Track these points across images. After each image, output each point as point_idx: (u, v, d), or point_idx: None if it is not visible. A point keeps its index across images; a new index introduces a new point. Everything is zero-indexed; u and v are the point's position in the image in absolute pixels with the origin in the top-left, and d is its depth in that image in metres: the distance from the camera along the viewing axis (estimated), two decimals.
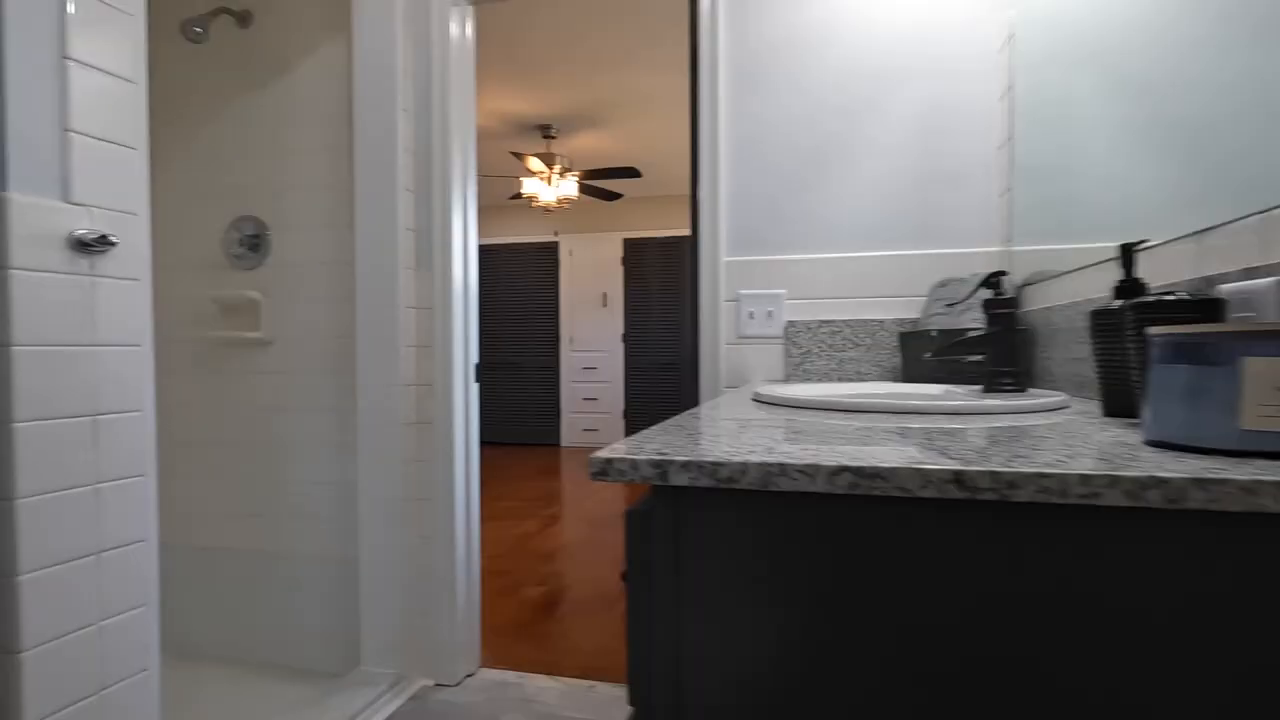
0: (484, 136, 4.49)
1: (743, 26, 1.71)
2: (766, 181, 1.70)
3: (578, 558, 3.26)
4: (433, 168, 1.93)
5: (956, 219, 1.59)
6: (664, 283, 6.53)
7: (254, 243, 2.07)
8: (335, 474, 2.04)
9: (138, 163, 1.15)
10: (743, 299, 1.71)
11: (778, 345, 1.69)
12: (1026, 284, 1.31)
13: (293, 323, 2.06)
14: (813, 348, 1.66)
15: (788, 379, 1.68)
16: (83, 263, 1.05)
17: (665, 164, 5.29)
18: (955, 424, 0.69)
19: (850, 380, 1.62)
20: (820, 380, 1.65)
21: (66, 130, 1.04)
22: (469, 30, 2.00)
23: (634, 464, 0.48)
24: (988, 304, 1.02)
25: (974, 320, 1.30)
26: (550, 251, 6.76)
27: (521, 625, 2.47)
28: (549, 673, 2.04)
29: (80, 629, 1.04)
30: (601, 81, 3.68)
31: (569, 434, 6.77)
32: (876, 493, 0.44)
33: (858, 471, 0.44)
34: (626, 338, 6.63)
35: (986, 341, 0.98)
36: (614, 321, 6.66)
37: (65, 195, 1.04)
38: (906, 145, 1.62)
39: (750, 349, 1.71)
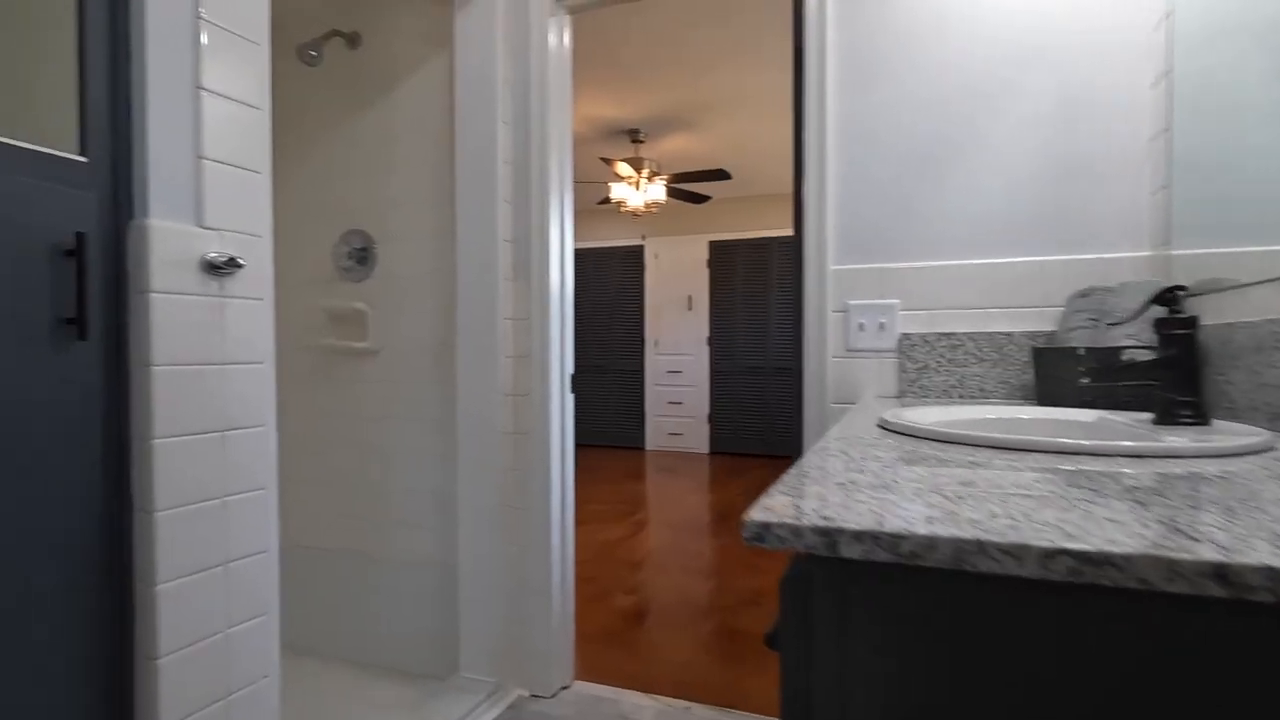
0: (573, 142, 4.53)
1: (853, 18, 1.61)
2: (878, 184, 1.60)
3: (665, 565, 3.22)
4: (531, 179, 1.93)
5: (1098, 220, 1.44)
6: (750, 285, 6.40)
7: (362, 255, 2.15)
8: (436, 481, 2.08)
9: (262, 186, 1.19)
10: (852, 310, 1.61)
11: (891, 359, 1.58)
12: (1193, 295, 1.15)
13: (397, 332, 2.12)
14: (930, 362, 1.54)
15: (902, 395, 1.57)
16: (213, 284, 1.10)
17: (754, 164, 5.18)
18: (1144, 469, 0.59)
19: (975, 399, 1.50)
20: (940, 398, 1.53)
21: (200, 157, 1.08)
22: (566, 39, 2.00)
23: (796, 530, 0.42)
24: (1161, 323, 0.90)
25: (1128, 336, 1.16)
26: (636, 255, 6.77)
27: (613, 635, 2.45)
28: (643, 688, 2.01)
29: (210, 637, 1.09)
30: (693, 84, 3.62)
31: (653, 437, 6.76)
32: (1105, 583, 0.36)
33: (1080, 556, 0.36)
34: (712, 341, 6.55)
35: (1161, 365, 0.86)
36: (699, 325, 6.59)
37: (198, 220, 1.08)
38: (1040, 140, 1.47)
39: (860, 363, 1.61)
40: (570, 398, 2.04)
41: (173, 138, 1.05)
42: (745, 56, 3.30)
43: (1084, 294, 1.37)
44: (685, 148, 4.70)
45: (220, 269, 1.09)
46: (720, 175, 4.11)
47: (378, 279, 2.14)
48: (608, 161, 4.04)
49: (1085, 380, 1.03)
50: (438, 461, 2.08)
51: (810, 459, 0.68)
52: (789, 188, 6.08)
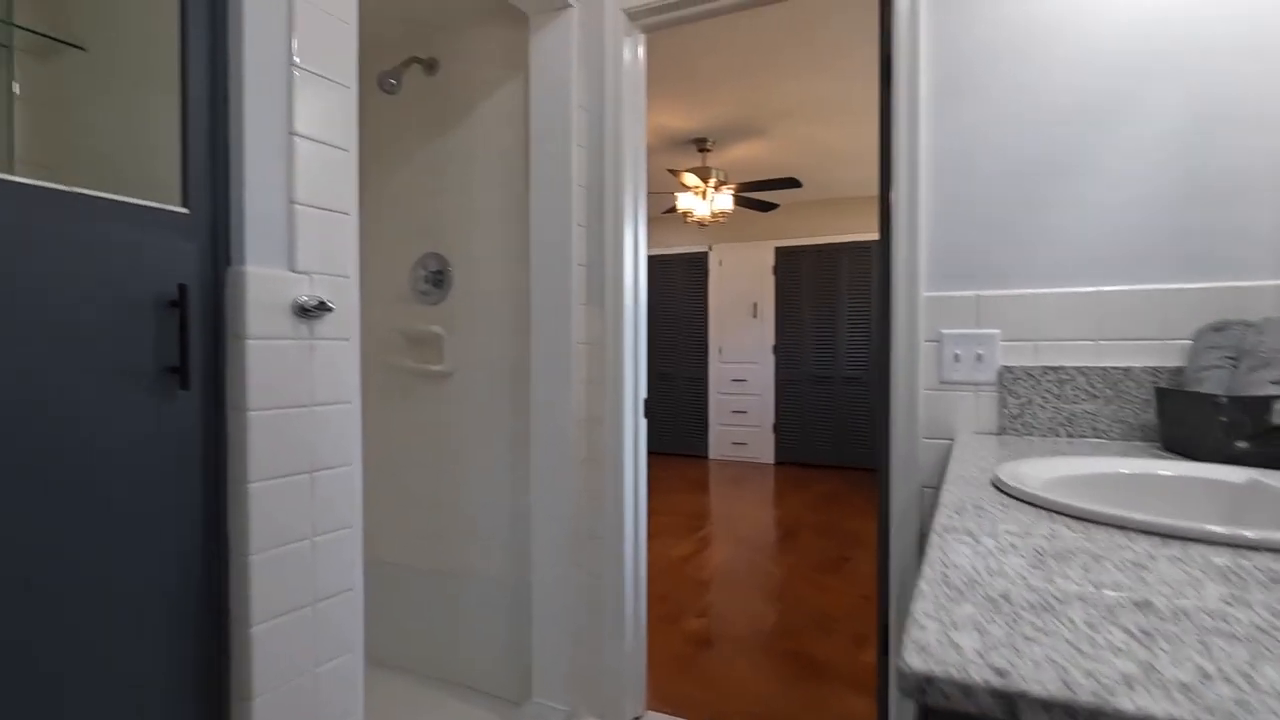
0: None
1: (946, 29, 1.52)
2: (975, 206, 1.49)
3: (734, 587, 3.15)
4: (605, 203, 1.91)
5: (1233, 244, 1.30)
6: (819, 292, 6.23)
7: (438, 278, 2.17)
8: (510, 502, 2.09)
9: (350, 227, 1.19)
10: (945, 339, 1.51)
11: (989, 393, 1.48)
12: None
13: (472, 355, 2.13)
14: (1034, 397, 1.43)
15: (1002, 431, 1.46)
16: (303, 327, 1.11)
17: (825, 168, 5.04)
18: None
19: (1086, 437, 1.38)
20: (1046, 435, 1.42)
21: (292, 202, 1.10)
22: (640, 58, 1.96)
23: (966, 689, 0.37)
24: None
25: (1274, 382, 1.03)
26: (699, 261, 6.70)
27: (684, 661, 2.41)
28: None
29: (298, 677, 1.10)
30: (767, 92, 3.54)
31: (717, 446, 6.67)
32: None
33: None
34: (777, 349, 6.41)
35: None
36: (764, 332, 6.46)
37: (290, 264, 1.10)
38: (1164, 156, 1.34)
39: (955, 396, 1.51)
40: (643, 423, 2.01)
41: (267, 184, 1.06)
42: (824, 65, 3.20)
43: (1217, 328, 1.23)
44: (753, 154, 4.61)
45: (310, 312, 1.10)
46: (791, 184, 4.01)
47: (453, 301, 2.16)
48: (674, 173, 4.00)
49: (1240, 444, 0.92)
50: (511, 483, 2.08)
51: (935, 551, 0.62)
52: (860, 191, 5.90)
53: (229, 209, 1.04)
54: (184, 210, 0.99)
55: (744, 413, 6.56)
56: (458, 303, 2.15)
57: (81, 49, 1.19)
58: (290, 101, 1.09)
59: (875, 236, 5.99)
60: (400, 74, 2.03)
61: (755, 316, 6.50)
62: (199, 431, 1.00)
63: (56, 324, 0.84)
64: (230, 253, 1.04)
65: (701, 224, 4.37)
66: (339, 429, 1.17)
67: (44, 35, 1.17)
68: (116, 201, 0.91)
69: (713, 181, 4.17)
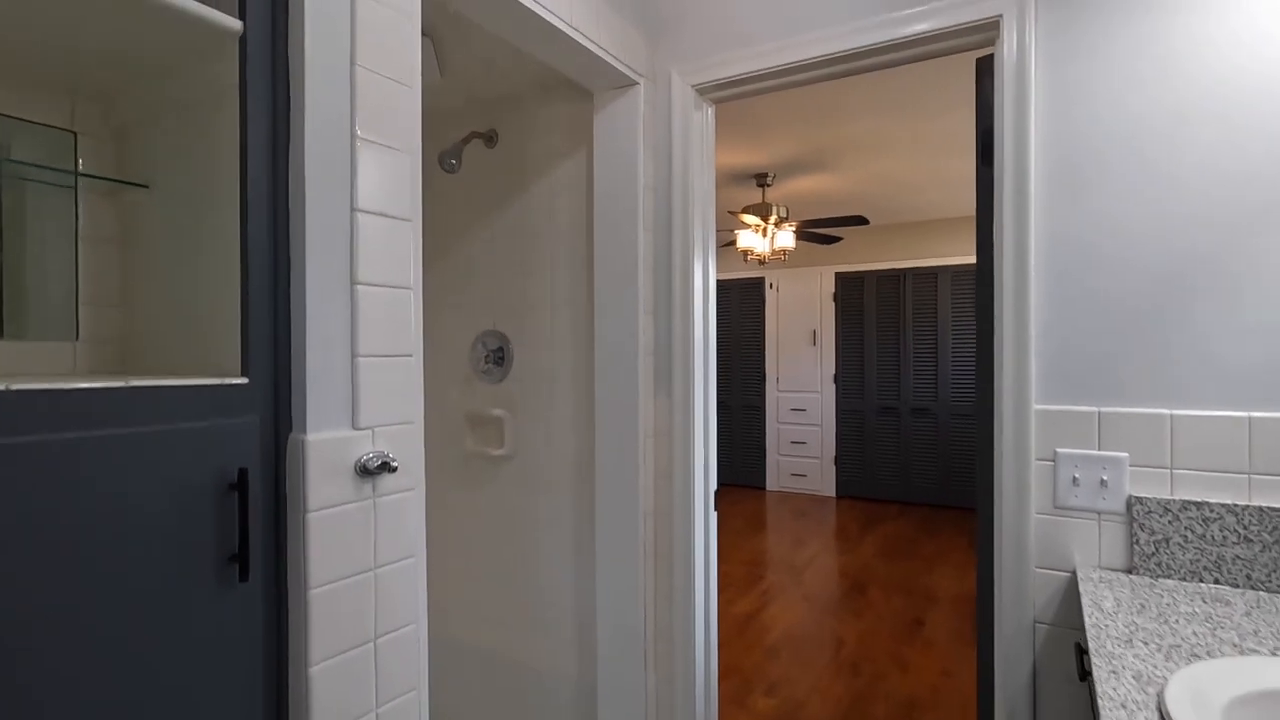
0: None
1: (1070, 101, 1.36)
2: (1100, 310, 1.33)
3: (803, 656, 2.99)
4: (673, 287, 1.80)
5: None
6: (882, 320, 5.99)
7: (499, 356, 2.11)
8: (574, 593, 2.00)
9: (414, 370, 1.12)
10: (1061, 459, 1.35)
11: (1116, 524, 1.31)
12: None
13: (535, 439, 2.06)
14: (1172, 535, 1.25)
15: (1132, 570, 1.29)
16: (366, 487, 1.04)
17: (890, 196, 4.82)
18: None
19: (1239, 587, 1.19)
20: (1186, 579, 1.24)
21: (355, 356, 1.03)
22: (710, 131, 1.85)
23: None
24: None
25: None
26: (755, 287, 6.53)
27: None
28: None
29: None
30: (830, 131, 3.38)
31: (775, 477, 6.48)
32: None
33: None
34: (838, 379, 6.19)
35: None
36: (824, 361, 6.25)
37: (354, 421, 1.03)
38: None
39: (1073, 524, 1.34)
40: (713, 516, 1.89)
41: (328, 340, 1.00)
42: (898, 105, 3.03)
43: None
44: (816, 187, 4.44)
45: (373, 472, 1.03)
46: (858, 221, 3.83)
47: (515, 381, 2.09)
48: (734, 214, 3.87)
49: None
50: (576, 574, 2.00)
51: None
52: (924, 216, 5.65)
53: (290, 370, 0.98)
54: (243, 381, 0.93)
55: (803, 443, 6.35)
56: (519, 383, 2.08)
57: (144, 186, 1.15)
58: (353, 247, 1.03)
59: (941, 261, 5.72)
60: (460, 152, 1.97)
61: (814, 344, 6.30)
62: (259, 620, 0.94)
63: (108, 524, 0.79)
64: (292, 417, 0.98)
65: (762, 261, 4.23)
66: (402, 588, 1.10)
67: (103, 178, 1.14)
68: (175, 387, 0.85)
69: (773, 219, 4.02)
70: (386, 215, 1.07)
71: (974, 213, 5.61)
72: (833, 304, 6.20)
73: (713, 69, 1.75)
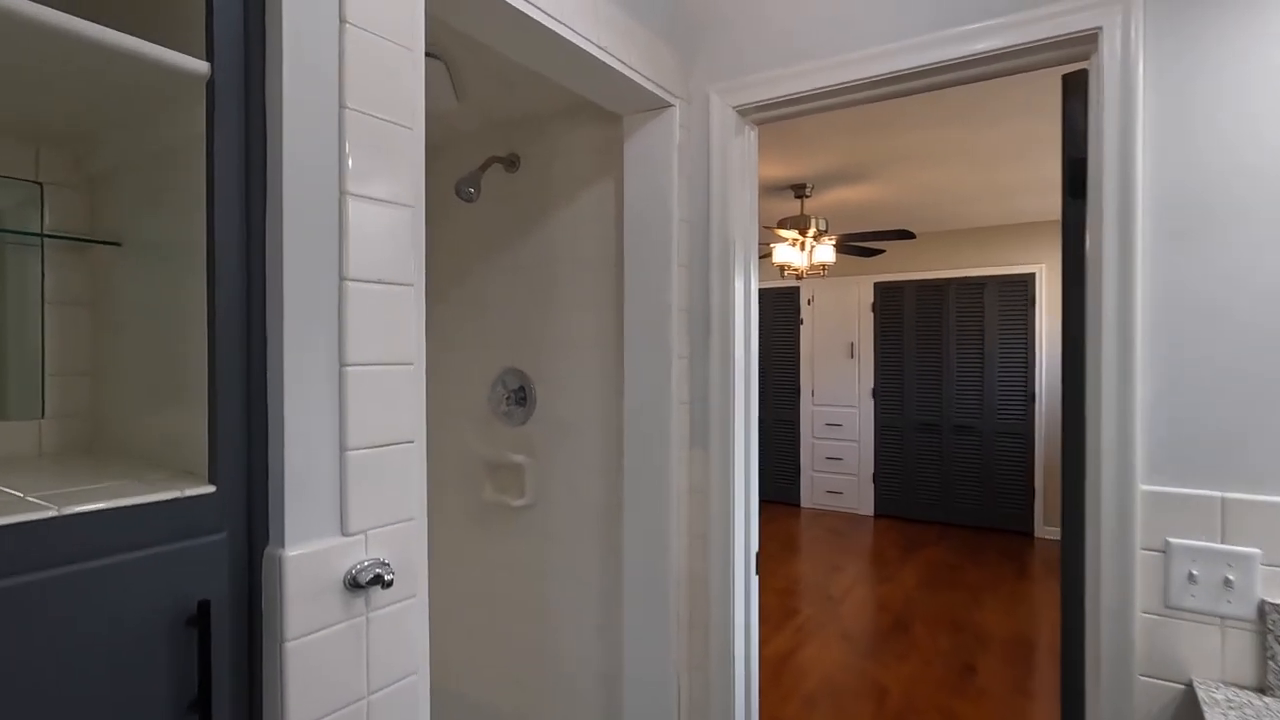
0: None
1: (1190, 134, 1.15)
2: (1224, 378, 1.12)
3: (846, 706, 2.79)
4: (711, 331, 1.63)
5: None
6: (924, 332, 5.72)
7: (520, 396, 1.96)
8: (599, 657, 1.84)
9: (416, 457, 0.97)
10: (1175, 551, 1.14)
11: (1243, 632, 1.10)
12: None
13: (557, 488, 1.90)
14: None
15: (1265, 691, 1.08)
16: (358, 603, 0.89)
17: (935, 206, 4.57)
18: None
19: None
20: None
21: (345, 450, 0.88)
22: (752, 155, 1.67)
23: None
24: None
25: None
26: (790, 297, 6.31)
27: None
28: None
29: None
30: (876, 142, 3.17)
31: (810, 494, 6.26)
32: None
33: None
34: (876, 393, 5.94)
35: None
36: (862, 374, 6.00)
37: (342, 527, 0.88)
38: None
39: (1189, 627, 1.14)
40: (754, 581, 1.71)
41: (313, 432, 0.85)
42: (952, 116, 2.81)
43: None
44: (856, 198, 4.22)
45: (366, 586, 0.88)
46: (903, 235, 3.61)
47: (537, 424, 1.94)
48: (770, 228, 3.67)
49: None
50: (600, 637, 1.84)
51: None
52: (969, 224, 5.37)
53: (266, 471, 0.83)
54: (208, 489, 0.78)
55: (839, 459, 6.11)
56: (541, 427, 1.93)
57: (115, 244, 1.02)
58: (343, 322, 0.87)
59: (987, 271, 5.44)
60: (478, 179, 1.82)
61: (852, 357, 6.05)
62: None
63: (33, 679, 0.64)
64: (268, 527, 0.83)
65: (800, 275, 4.02)
66: (403, 713, 0.94)
67: (68, 236, 1.01)
68: (122, 510, 0.71)
69: (812, 232, 3.81)
70: (383, 282, 0.92)
71: (1024, 220, 5.34)
72: (871, 315, 5.95)
73: (756, 88, 1.57)
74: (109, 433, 1.05)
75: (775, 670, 3.13)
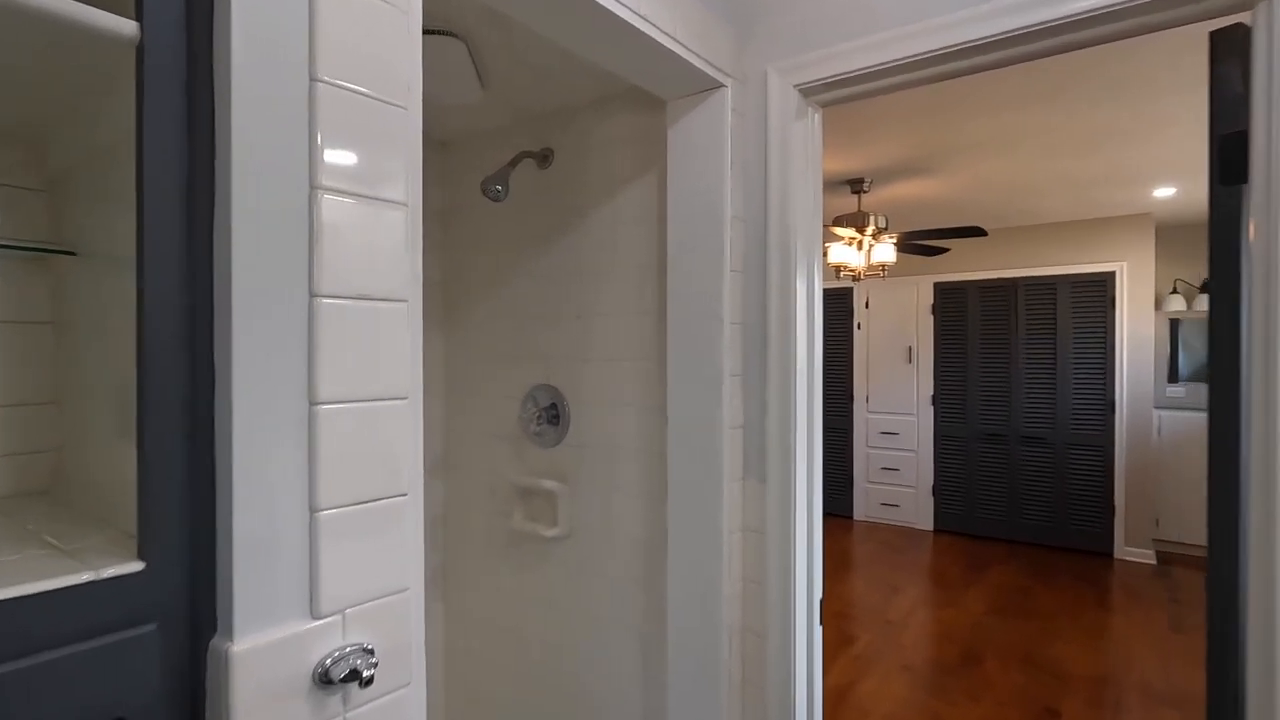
0: None
1: None
2: None
3: None
4: (769, 344, 1.41)
5: None
6: (987, 336, 5.35)
7: (552, 415, 1.77)
8: (637, 713, 1.64)
9: (411, 513, 0.78)
10: None
11: None
12: None
13: (593, 519, 1.71)
14: None
15: None
16: (332, 702, 0.71)
17: (1002, 201, 4.23)
18: None
19: None
20: None
21: (314, 511, 0.70)
22: (817, 141, 1.45)
23: None
24: None
25: None
26: (843, 299, 6.00)
27: None
28: None
29: None
30: (944, 130, 2.89)
31: (864, 506, 5.93)
32: None
33: None
34: (937, 400, 5.58)
35: None
36: (921, 380, 5.65)
37: (313, 607, 0.70)
38: None
39: None
40: (818, 634, 1.49)
41: (272, 489, 0.67)
42: (1035, 98, 2.51)
43: None
44: (917, 193, 3.92)
45: (342, 683, 0.70)
46: (973, 232, 3.30)
47: (572, 447, 1.75)
48: (824, 226, 3.41)
49: None
50: (642, 687, 1.64)
51: None
52: (1040, 220, 4.98)
53: (212, 540, 0.66)
54: (137, 567, 0.61)
55: (895, 470, 5.78)
56: (576, 450, 1.74)
57: (70, 254, 0.87)
58: (313, 349, 0.70)
59: (1060, 270, 5.03)
60: (507, 177, 1.64)
61: (910, 362, 5.71)
62: None
63: None
64: (215, 612, 0.65)
65: (856, 277, 3.75)
66: None
67: (17, 246, 0.86)
68: (23, 600, 0.54)
69: (870, 230, 3.54)
70: (367, 298, 0.74)
71: (1103, 215, 4.91)
72: (931, 318, 5.60)
73: (822, 64, 1.35)
74: (71, 474, 0.90)
75: (833, 706, 2.88)
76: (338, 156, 0.71)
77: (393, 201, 0.76)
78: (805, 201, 1.42)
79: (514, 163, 1.69)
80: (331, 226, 0.70)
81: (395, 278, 0.76)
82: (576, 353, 1.74)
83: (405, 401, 0.77)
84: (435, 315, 1.99)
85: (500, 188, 1.63)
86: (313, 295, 0.69)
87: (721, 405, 1.40)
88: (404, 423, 0.77)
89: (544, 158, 1.78)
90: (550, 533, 1.72)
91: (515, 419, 1.84)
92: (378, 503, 0.75)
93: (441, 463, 2.01)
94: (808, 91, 1.38)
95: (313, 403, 0.69)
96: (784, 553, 1.42)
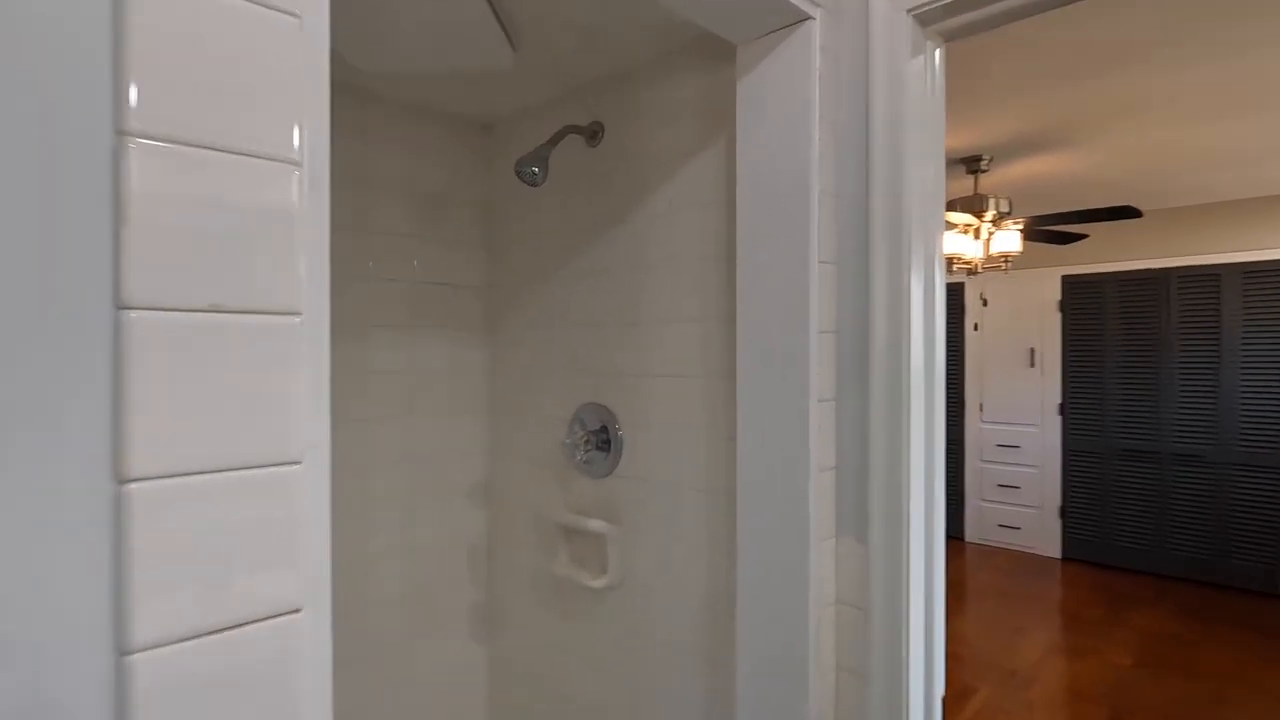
0: None
1: None
2: None
3: None
4: (871, 361, 1.06)
5: None
6: (1129, 337, 4.62)
7: (601, 440, 1.49)
8: None
9: (312, 658, 0.51)
10: None
11: None
12: None
13: (647, 566, 1.41)
14: None
15: None
16: None
17: (1149, 178, 3.58)
18: None
19: None
20: None
21: (125, 654, 0.43)
22: (938, 82, 1.08)
23: None
24: None
25: None
26: (953, 295, 5.39)
27: None
28: None
29: None
30: (1087, 94, 2.38)
31: (977, 527, 5.31)
32: None
33: None
34: (1065, 409, 4.90)
35: None
36: (1046, 387, 4.98)
37: None
38: None
39: None
40: None
41: (42, 617, 0.41)
42: (1167, 49, 2.00)
43: None
44: (1047, 170, 3.36)
45: None
46: (1124, 213, 2.75)
47: (623, 478, 1.46)
48: None
49: None
50: None
51: None
52: (1195, 199, 4.24)
53: None
54: None
55: (1015, 488, 5.12)
56: (628, 484, 1.45)
57: None
58: (120, 388, 0.43)
59: (1224, 257, 4.25)
60: (545, 157, 1.37)
61: (1033, 365, 5.04)
62: None
63: None
64: None
65: (972, 270, 3.25)
66: None
67: None
68: None
69: (990, 215, 3.04)
70: (225, 311, 0.47)
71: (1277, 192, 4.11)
72: (1059, 315, 4.92)
73: None
74: None
75: None
76: (166, 84, 0.44)
77: (274, 159, 0.49)
78: (923, 170, 1.06)
79: (555, 140, 1.42)
80: (153, 198, 0.44)
81: (279, 279, 0.49)
82: (630, 366, 1.44)
83: (298, 467, 0.50)
84: (475, 324, 1.76)
85: (536, 169, 1.36)
86: (119, 307, 0.43)
87: (808, 440, 1.06)
88: (294, 504, 0.50)
89: (593, 134, 1.50)
90: (597, 583, 1.43)
91: (560, 444, 1.57)
92: (248, 628, 0.48)
93: (484, 490, 1.78)
94: (925, 18, 1.02)
95: (121, 479, 0.43)
96: (893, 639, 1.06)
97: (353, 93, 1.52)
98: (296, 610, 0.50)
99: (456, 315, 1.71)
